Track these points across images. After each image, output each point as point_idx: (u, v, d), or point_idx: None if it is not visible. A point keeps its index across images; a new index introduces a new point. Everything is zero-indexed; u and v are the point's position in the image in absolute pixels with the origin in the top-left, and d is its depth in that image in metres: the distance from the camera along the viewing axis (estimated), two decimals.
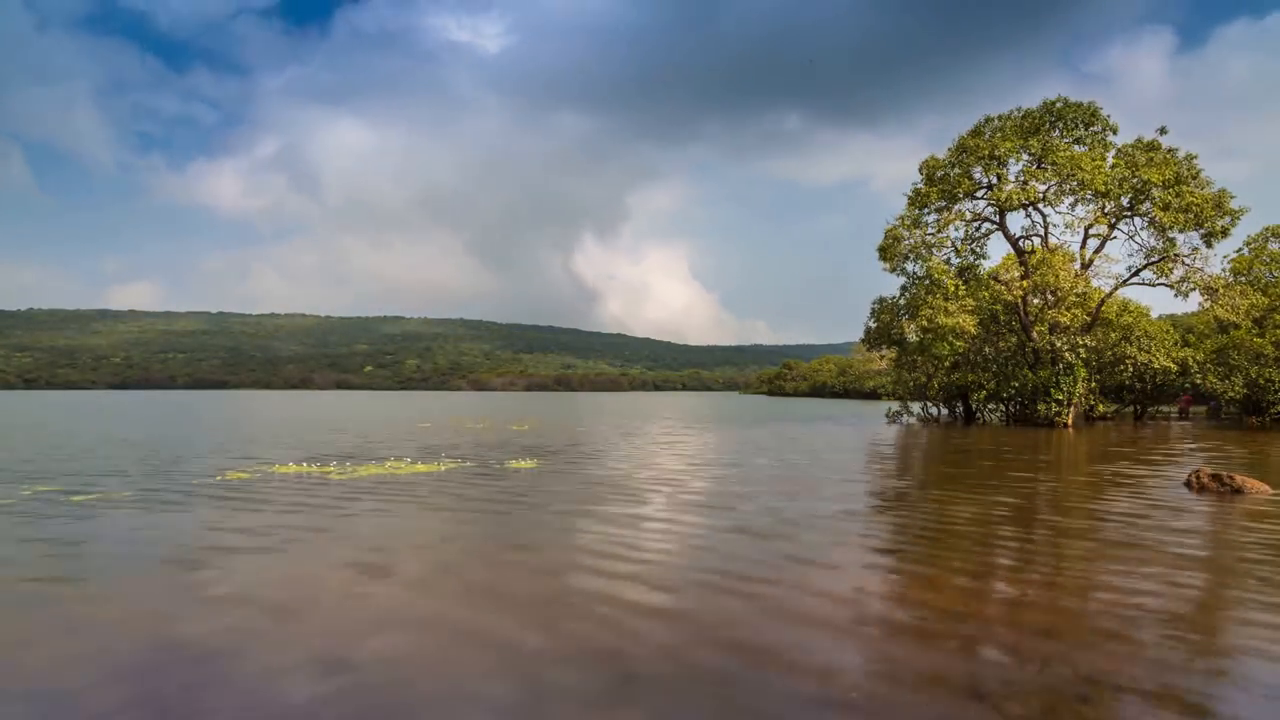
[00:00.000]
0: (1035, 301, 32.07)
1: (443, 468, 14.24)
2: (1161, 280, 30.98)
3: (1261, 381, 31.34)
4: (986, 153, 31.08)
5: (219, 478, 12.48)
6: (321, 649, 4.48)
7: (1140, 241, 31.47)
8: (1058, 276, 30.02)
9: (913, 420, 34.91)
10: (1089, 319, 31.84)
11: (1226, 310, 30.57)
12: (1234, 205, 29.47)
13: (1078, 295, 31.19)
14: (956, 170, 31.98)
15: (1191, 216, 29.29)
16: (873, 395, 75.59)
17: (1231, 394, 32.44)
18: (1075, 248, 32.54)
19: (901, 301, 33.78)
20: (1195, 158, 30.25)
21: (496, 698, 3.82)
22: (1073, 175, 29.94)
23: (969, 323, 30.59)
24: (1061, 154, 30.20)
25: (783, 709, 3.69)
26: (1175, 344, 35.88)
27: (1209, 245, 30.08)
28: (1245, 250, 35.58)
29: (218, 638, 4.65)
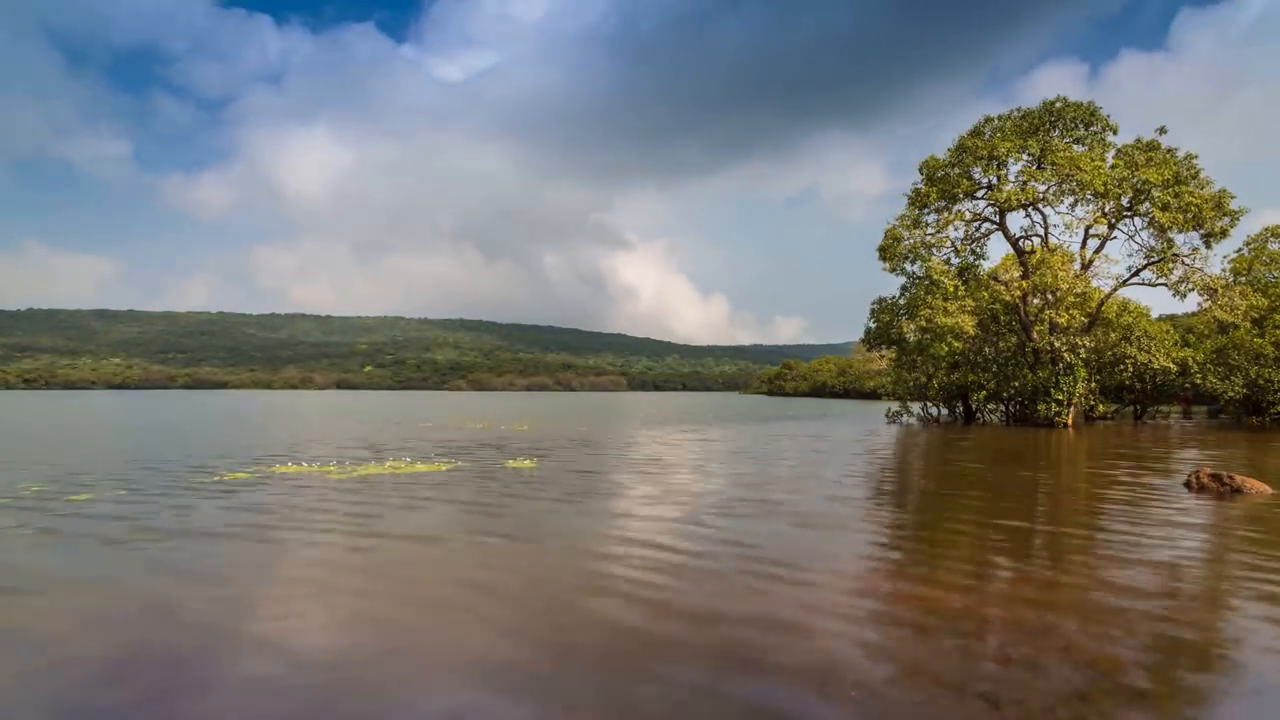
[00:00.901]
0: (1035, 301, 32.07)
1: (443, 468, 14.26)
2: (1161, 280, 30.92)
3: (1261, 382, 31.35)
4: (986, 153, 31.07)
5: (223, 477, 12.51)
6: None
7: (1140, 242, 31.46)
8: (1057, 276, 30.02)
9: (912, 420, 34.90)
10: (1089, 319, 31.84)
11: (1225, 311, 30.55)
12: (1233, 206, 29.47)
13: (1077, 295, 31.19)
14: (956, 170, 31.97)
15: (1191, 216, 29.26)
16: (873, 395, 75.58)
17: (1231, 394, 32.44)
18: (1075, 248, 32.56)
19: (901, 301, 33.79)
20: (1195, 158, 30.23)
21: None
22: (1072, 175, 29.91)
23: (968, 323, 30.59)
24: (1061, 154, 30.18)
25: (784, 706, 3.70)
26: (1175, 344, 35.89)
27: (1208, 245, 30.03)
28: (1245, 250, 35.57)
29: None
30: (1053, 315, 30.96)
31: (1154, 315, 39.19)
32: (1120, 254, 57.26)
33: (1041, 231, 32.85)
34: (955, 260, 32.92)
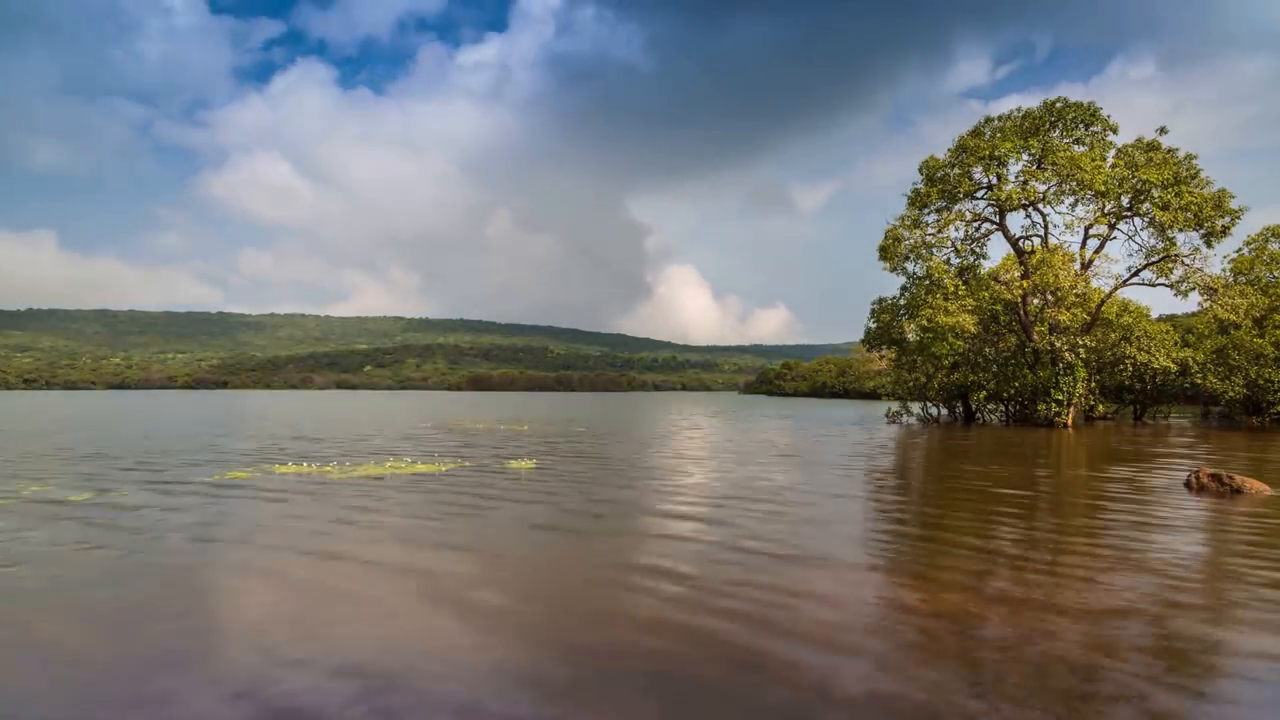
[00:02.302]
0: (1035, 301, 32.04)
1: (442, 468, 14.24)
2: (1161, 280, 30.87)
3: (1261, 382, 31.31)
4: (986, 153, 31.03)
5: (218, 476, 12.50)
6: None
7: (1140, 241, 31.42)
8: (1058, 276, 29.98)
9: (912, 420, 34.87)
10: (1089, 319, 31.80)
11: (1226, 310, 30.50)
12: (1234, 205, 29.40)
13: (1078, 295, 31.15)
14: (956, 170, 31.93)
15: (1191, 216, 29.20)
16: (873, 395, 75.65)
17: (1231, 394, 32.40)
18: (1075, 248, 32.53)
19: (901, 301, 33.76)
20: (1195, 158, 30.18)
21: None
22: (1072, 175, 29.87)
23: (969, 322, 30.57)
24: (1061, 154, 30.14)
25: (786, 703, 3.70)
26: (1175, 344, 35.85)
27: (1209, 245, 29.95)
28: (1246, 250, 35.52)
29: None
30: (1053, 315, 30.91)
31: (1154, 315, 39.18)
32: (1120, 254, 57.17)
33: (1041, 231, 32.85)
34: (955, 260, 32.91)
